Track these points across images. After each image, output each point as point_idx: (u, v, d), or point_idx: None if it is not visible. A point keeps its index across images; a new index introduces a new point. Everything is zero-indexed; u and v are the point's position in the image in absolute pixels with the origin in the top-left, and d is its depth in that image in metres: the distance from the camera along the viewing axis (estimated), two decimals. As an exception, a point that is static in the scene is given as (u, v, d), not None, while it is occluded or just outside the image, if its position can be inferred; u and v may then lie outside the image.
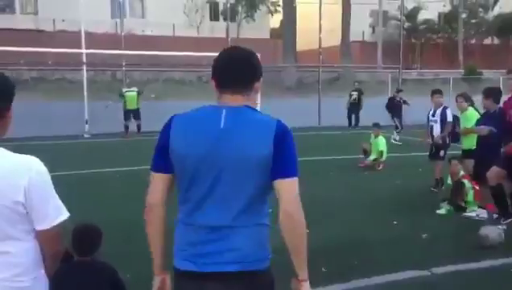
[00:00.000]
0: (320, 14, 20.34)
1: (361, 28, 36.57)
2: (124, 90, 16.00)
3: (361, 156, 10.39)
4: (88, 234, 3.06)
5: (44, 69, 23.20)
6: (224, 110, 1.93)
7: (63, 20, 26.96)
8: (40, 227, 1.74)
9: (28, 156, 1.79)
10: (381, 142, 10.21)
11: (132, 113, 15.52)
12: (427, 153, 8.37)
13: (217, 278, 1.88)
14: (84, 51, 17.04)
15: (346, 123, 18.40)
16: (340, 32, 31.10)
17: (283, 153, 1.87)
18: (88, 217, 6.10)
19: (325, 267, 4.55)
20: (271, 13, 38.23)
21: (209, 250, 1.88)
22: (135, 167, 9.92)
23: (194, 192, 1.91)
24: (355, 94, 18.36)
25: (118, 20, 19.57)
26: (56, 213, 1.78)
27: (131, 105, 15.52)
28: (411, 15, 37.78)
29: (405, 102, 15.86)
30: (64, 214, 1.81)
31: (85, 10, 17.77)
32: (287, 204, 1.86)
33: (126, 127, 15.67)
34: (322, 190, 7.88)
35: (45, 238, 1.78)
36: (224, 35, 19.87)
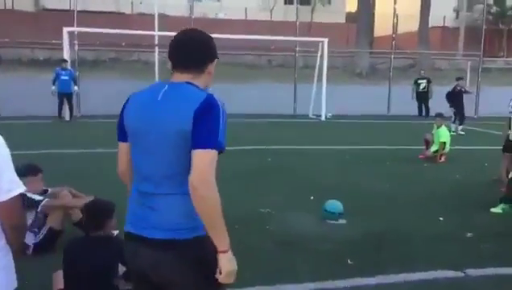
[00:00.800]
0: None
1: (443, 13, 34.64)
2: None
3: (423, 147, 9.96)
4: (98, 209, 3.19)
5: (121, 50, 24.25)
6: (166, 86, 2.04)
7: (140, 3, 28.01)
8: None
9: None
10: (443, 133, 9.68)
11: None
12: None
13: (148, 243, 1.98)
14: (156, 33, 17.62)
15: (416, 112, 17.77)
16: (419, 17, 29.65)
17: (201, 125, 1.91)
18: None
19: (352, 259, 4.43)
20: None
21: (141, 215, 2.02)
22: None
23: (135, 161, 2.09)
24: (424, 83, 17.63)
25: (193, 3, 20.01)
26: (10, 185, 1.83)
27: None
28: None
29: (466, 92, 14.92)
30: (20, 188, 1.87)
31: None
32: (193, 177, 1.88)
33: None
34: (372, 180, 7.66)
35: (1, 211, 1.83)
36: (299, 20, 19.71)
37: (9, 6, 29.03)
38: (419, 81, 17.90)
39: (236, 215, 5.74)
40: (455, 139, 10.10)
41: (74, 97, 15.26)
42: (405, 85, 19.53)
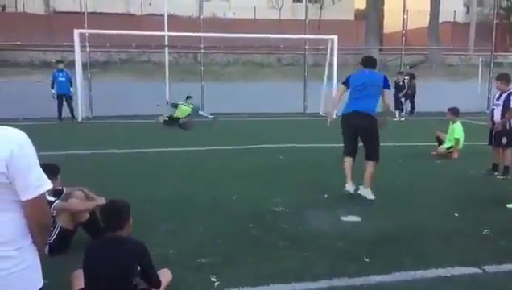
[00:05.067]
0: (404, -6, 19.37)
1: (453, 8, 34.32)
2: (181, 103, 14.49)
3: (435, 144, 9.88)
4: (115, 210, 3.20)
5: (131, 51, 24.37)
6: None
7: (149, 4, 28.12)
8: (24, 197, 1.83)
9: (11, 129, 1.89)
10: (457, 129, 9.60)
11: (178, 122, 13.95)
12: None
13: None
14: (165, 33, 17.70)
15: (431, 108, 17.45)
16: (429, 12, 29.41)
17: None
18: (149, 193, 6.41)
19: (368, 256, 4.41)
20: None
21: None
22: (201, 148, 10.24)
23: None
24: (406, 79, 17.21)
25: (202, 2, 20.02)
26: (38, 182, 1.86)
27: (181, 114, 14.15)
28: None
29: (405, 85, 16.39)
30: (47, 184, 1.89)
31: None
32: None
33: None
34: (385, 178, 7.60)
35: (29, 209, 1.86)
36: (308, 18, 19.67)
37: (20, 9, 29.32)
38: (404, 78, 17.71)
39: (250, 214, 5.75)
40: (468, 135, 9.98)
41: (78, 97, 15.25)
42: (416, 82, 19.39)
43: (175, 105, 14.45)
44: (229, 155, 9.63)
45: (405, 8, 19.66)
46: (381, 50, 29.22)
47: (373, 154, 6.40)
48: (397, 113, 16.35)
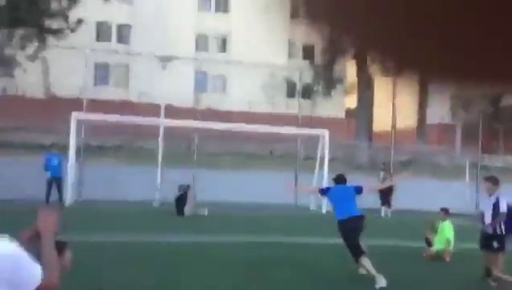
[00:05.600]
0: (393, 98, 20.30)
1: (441, 109, 35.77)
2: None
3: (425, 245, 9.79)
4: None
5: (126, 137, 24.77)
6: None
7: (146, 93, 29.08)
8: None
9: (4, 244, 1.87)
10: (447, 229, 9.57)
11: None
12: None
13: None
14: (161, 120, 18.12)
15: (418, 207, 17.56)
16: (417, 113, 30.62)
17: None
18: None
19: None
20: (347, 92, 38.70)
21: None
22: (187, 240, 10.05)
23: None
24: (382, 174, 17.60)
25: (198, 95, 20.79)
26: (33, 280, 1.82)
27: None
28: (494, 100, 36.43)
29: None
30: (40, 276, 1.84)
31: (169, 84, 19.26)
32: None
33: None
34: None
35: None
36: (301, 113, 20.53)
37: (20, 93, 30.16)
38: (380, 173, 18.03)
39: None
40: (458, 236, 9.93)
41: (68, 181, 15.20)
42: (405, 180, 19.63)
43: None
44: (225, 248, 9.46)
45: (394, 109, 20.49)
46: (370, 147, 29.97)
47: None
48: (383, 209, 16.58)
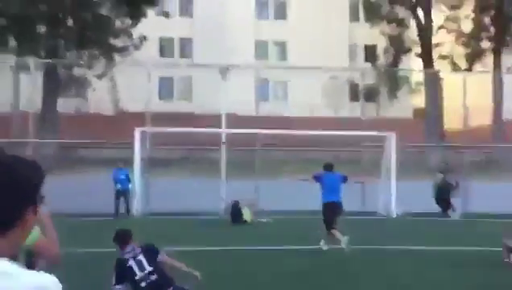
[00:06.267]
0: (464, 94, 19.12)
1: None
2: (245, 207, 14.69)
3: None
4: None
5: (189, 149, 25.20)
6: None
7: (209, 104, 29.47)
8: None
9: (44, 277, 1.33)
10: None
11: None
12: None
13: None
14: (222, 130, 18.20)
15: (500, 210, 16.25)
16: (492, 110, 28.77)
17: None
18: None
19: None
20: (413, 92, 37.18)
21: None
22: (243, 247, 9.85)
23: None
24: (440, 176, 16.51)
25: (260, 102, 20.74)
26: None
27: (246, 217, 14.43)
28: None
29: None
30: None
31: (231, 93, 19.30)
32: None
33: None
34: (438, 283, 6.90)
35: None
36: (365, 116, 19.76)
37: (92, 110, 31.70)
38: (437, 175, 16.92)
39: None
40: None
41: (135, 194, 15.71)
42: (483, 181, 18.44)
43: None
44: (278, 257, 9.21)
45: (465, 107, 19.28)
46: (442, 148, 28.52)
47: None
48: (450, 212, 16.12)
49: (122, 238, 5.11)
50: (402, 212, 16.09)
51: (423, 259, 8.97)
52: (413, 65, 35.55)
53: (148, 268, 4.73)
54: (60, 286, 1.69)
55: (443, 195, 16.52)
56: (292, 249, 10.00)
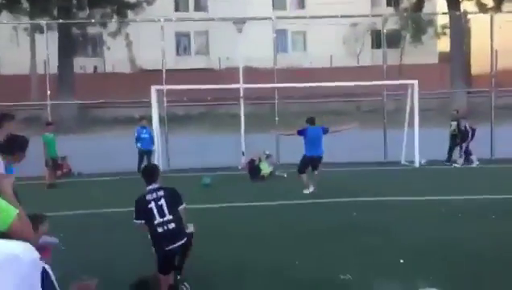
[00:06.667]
0: (491, 34, 18.11)
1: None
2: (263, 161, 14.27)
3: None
4: None
5: (208, 104, 25.00)
6: None
7: (227, 58, 29.00)
8: None
9: (13, 244, 1.61)
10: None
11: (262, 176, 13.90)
12: None
13: None
14: (240, 85, 17.83)
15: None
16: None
17: None
18: (208, 256, 5.85)
19: None
20: (438, 36, 35.71)
21: None
22: (271, 203, 9.76)
23: None
24: (453, 125, 15.85)
25: (279, 55, 20.15)
26: None
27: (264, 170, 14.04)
28: None
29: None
30: None
31: (250, 47, 18.91)
32: None
33: None
34: (474, 240, 6.64)
35: None
36: (388, 63, 19.04)
37: (109, 69, 31.58)
38: (451, 123, 16.21)
39: (312, 282, 5.13)
40: None
41: (155, 151, 15.56)
42: (511, 125, 17.79)
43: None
44: (297, 211, 9.06)
45: (493, 48, 18.33)
46: (469, 92, 27.56)
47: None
48: (474, 158, 15.58)
49: (150, 173, 5.13)
50: (425, 161, 15.69)
51: (450, 210, 8.69)
52: (438, 8, 33.99)
53: (168, 216, 4.76)
54: (34, 254, 1.51)
55: (456, 143, 16.03)
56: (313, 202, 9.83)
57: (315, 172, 10.87)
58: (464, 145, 15.89)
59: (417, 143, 15.73)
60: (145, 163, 15.11)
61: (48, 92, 17.19)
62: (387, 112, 18.32)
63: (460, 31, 26.98)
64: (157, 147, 15.60)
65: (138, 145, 15.22)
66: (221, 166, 15.72)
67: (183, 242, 4.78)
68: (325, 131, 10.73)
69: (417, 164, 15.54)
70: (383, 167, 15.62)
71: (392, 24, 31.15)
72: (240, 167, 16.01)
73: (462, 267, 5.46)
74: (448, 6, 26.43)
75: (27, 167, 12.93)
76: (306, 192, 10.60)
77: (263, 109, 24.77)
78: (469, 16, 28.07)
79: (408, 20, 34.37)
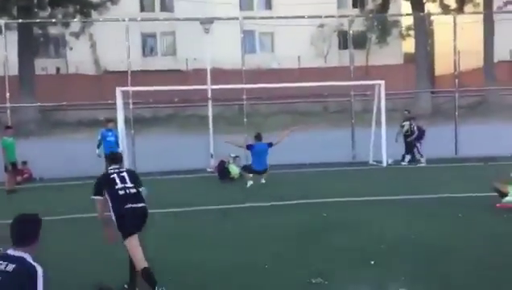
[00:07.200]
0: (454, 34, 18.48)
1: (508, 47, 32.90)
2: (231, 163, 14.15)
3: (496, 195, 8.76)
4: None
5: (175, 106, 24.66)
6: None
7: (194, 59, 28.71)
8: None
9: None
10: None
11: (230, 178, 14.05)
12: None
13: None
14: (208, 86, 17.62)
15: (486, 153, 15.99)
16: (483, 53, 28.20)
17: None
18: (178, 258, 5.65)
19: None
20: (403, 37, 36.35)
21: None
22: (240, 205, 9.61)
23: None
24: (406, 125, 16.24)
25: (246, 56, 19.98)
26: None
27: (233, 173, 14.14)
28: None
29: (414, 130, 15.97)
30: None
31: (218, 48, 18.69)
32: None
33: None
34: (443, 237, 6.66)
35: None
36: (355, 64, 19.17)
37: (72, 71, 30.77)
38: (403, 123, 16.53)
39: (282, 287, 5.00)
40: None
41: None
42: (473, 124, 18.19)
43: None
44: (267, 213, 8.94)
45: (456, 49, 18.70)
46: (433, 93, 28.12)
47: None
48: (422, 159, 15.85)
49: (113, 157, 5.47)
50: (392, 161, 15.85)
51: (418, 209, 8.74)
52: (403, 9, 34.59)
53: (129, 183, 5.03)
54: None
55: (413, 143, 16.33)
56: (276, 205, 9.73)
57: (263, 181, 12.11)
58: (418, 144, 16.17)
59: (384, 143, 15.87)
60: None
61: (7, 94, 16.57)
62: (355, 112, 18.45)
63: (424, 32, 27.53)
64: (123, 149, 15.16)
65: (98, 150, 14.20)
66: (189, 168, 15.49)
67: (144, 204, 4.95)
68: (270, 146, 12.11)
69: (384, 164, 15.68)
70: (352, 167, 15.70)
71: (358, 25, 31.49)
72: (208, 170, 15.80)
73: (433, 266, 5.44)
74: (413, 7, 26.93)
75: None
76: (249, 183, 11.85)
77: (232, 111, 24.63)
78: (433, 17, 28.68)
79: (374, 21, 34.85)
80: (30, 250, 3.26)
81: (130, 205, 4.83)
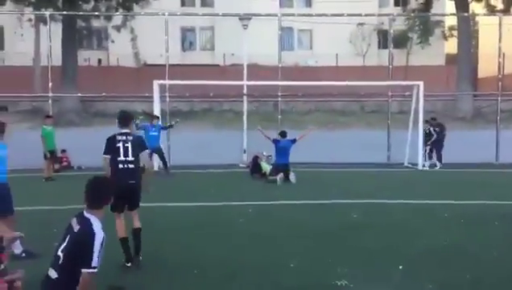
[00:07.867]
0: (499, 35, 17.86)
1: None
2: (263, 161, 14.13)
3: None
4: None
5: (211, 101, 24.82)
6: None
7: (232, 54, 28.85)
8: None
9: None
10: None
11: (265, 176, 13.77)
12: None
13: None
14: (244, 82, 17.65)
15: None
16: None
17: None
18: (200, 253, 5.70)
19: None
20: (445, 38, 35.35)
21: None
22: (269, 202, 9.61)
23: None
24: (426, 128, 15.83)
25: (283, 52, 19.91)
26: None
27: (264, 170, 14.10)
28: None
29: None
30: None
31: (256, 44, 18.71)
32: None
33: None
34: (476, 245, 6.47)
35: None
36: (394, 64, 18.78)
37: (113, 63, 31.43)
38: (424, 127, 15.99)
39: (306, 288, 4.97)
40: None
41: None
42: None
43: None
44: (297, 212, 8.90)
45: (500, 51, 18.08)
46: (475, 95, 27.28)
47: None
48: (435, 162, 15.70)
49: (124, 117, 5.77)
50: (430, 163, 15.50)
51: (453, 214, 8.52)
52: (446, 9, 33.64)
53: (130, 158, 5.56)
54: None
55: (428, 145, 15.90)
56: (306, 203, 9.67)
57: (291, 179, 12.45)
58: (427, 148, 15.75)
59: (421, 146, 15.54)
60: (158, 162, 14.44)
61: (50, 84, 17.09)
62: (391, 113, 18.13)
63: (467, 33, 26.69)
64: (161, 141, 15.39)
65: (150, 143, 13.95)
66: (222, 163, 15.59)
67: (134, 181, 5.57)
68: (294, 141, 12.88)
69: (420, 167, 15.35)
70: (386, 169, 15.44)
71: (399, 24, 30.84)
72: (241, 165, 15.87)
73: (463, 275, 5.29)
74: (457, 7, 26.14)
75: (26, 159, 12.87)
76: (278, 179, 12.29)
77: (267, 107, 24.61)
78: (478, 18, 27.76)
79: (416, 21, 34.04)
80: (98, 213, 3.62)
81: (124, 181, 5.42)
